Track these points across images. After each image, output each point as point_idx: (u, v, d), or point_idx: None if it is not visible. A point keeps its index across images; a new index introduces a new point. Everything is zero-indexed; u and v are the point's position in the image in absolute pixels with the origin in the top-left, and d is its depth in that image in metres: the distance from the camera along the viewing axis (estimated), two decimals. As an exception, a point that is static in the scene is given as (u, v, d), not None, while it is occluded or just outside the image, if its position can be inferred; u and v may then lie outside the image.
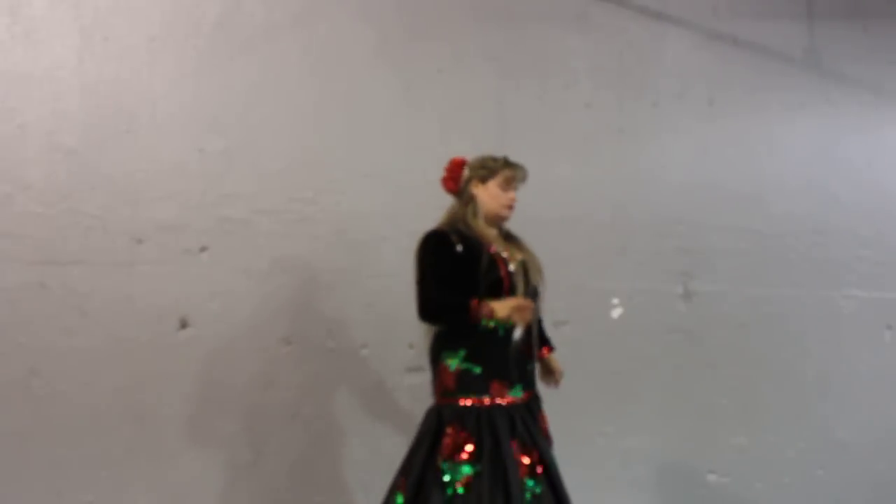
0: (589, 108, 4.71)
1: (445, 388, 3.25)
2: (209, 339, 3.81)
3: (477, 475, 3.10)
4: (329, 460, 4.02)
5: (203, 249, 3.83)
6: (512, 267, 3.26)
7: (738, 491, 4.90)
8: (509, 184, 3.35)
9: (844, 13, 5.42)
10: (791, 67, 5.24)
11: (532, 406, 3.33)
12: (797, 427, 5.06)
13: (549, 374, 3.53)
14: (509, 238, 3.42)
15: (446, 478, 3.12)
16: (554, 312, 4.37)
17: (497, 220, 3.37)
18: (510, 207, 3.35)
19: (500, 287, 3.20)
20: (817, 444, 5.10)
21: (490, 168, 3.35)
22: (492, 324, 3.19)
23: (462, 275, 3.18)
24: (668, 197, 4.85)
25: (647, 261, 4.77)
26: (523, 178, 3.40)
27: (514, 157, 4.41)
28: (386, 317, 4.06)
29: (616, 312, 4.69)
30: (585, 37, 4.72)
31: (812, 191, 5.23)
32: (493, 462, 3.11)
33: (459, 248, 3.21)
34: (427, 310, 3.18)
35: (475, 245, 3.24)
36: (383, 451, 3.99)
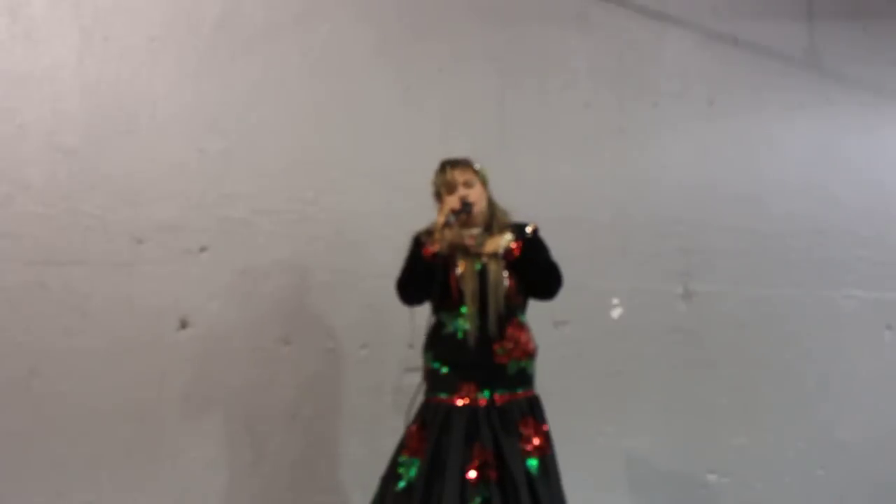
0: (589, 108, 4.71)
1: (425, 386, 3.41)
2: (209, 339, 3.81)
3: (419, 473, 3.24)
4: (329, 460, 4.02)
5: (203, 249, 3.83)
6: (459, 271, 3.34)
7: (738, 491, 4.90)
8: (449, 188, 3.38)
9: (844, 13, 5.42)
10: (791, 67, 5.24)
11: (509, 410, 3.32)
12: (797, 427, 5.06)
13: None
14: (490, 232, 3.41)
15: (400, 470, 3.30)
16: (554, 312, 4.37)
17: (464, 222, 3.38)
18: (456, 206, 3.33)
19: (451, 294, 3.34)
20: (817, 444, 5.10)
21: (435, 185, 3.44)
22: (457, 326, 3.33)
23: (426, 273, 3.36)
24: (668, 197, 4.85)
25: (647, 261, 4.77)
26: (460, 171, 3.39)
27: (514, 157, 4.42)
28: (386, 317, 4.06)
29: (616, 312, 4.70)
30: (585, 37, 4.72)
31: (812, 191, 5.22)
32: (436, 462, 3.23)
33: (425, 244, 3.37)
34: (398, 289, 3.37)
35: (442, 253, 3.35)
36: (383, 451, 3.98)
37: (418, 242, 3.38)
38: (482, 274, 3.35)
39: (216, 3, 3.90)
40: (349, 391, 4.07)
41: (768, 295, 5.06)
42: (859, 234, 5.32)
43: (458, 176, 3.38)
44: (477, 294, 3.32)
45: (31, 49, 3.56)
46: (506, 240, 3.35)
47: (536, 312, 3.96)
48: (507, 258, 3.35)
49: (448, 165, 3.42)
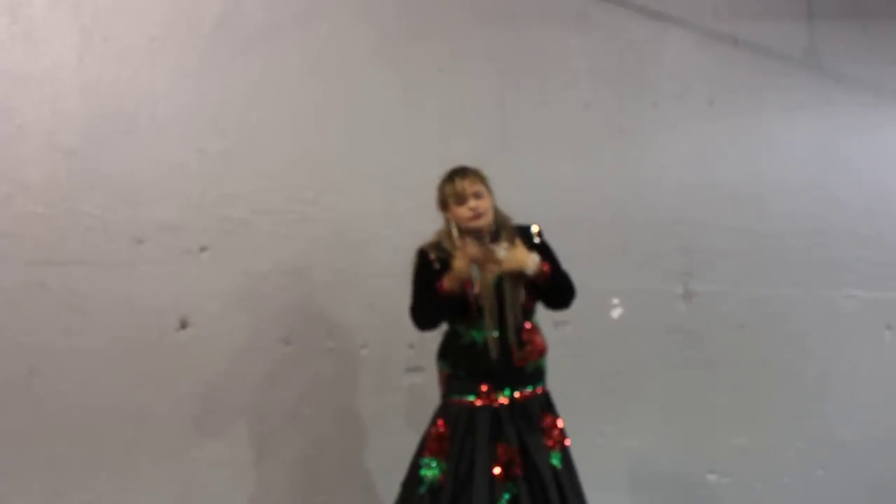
0: (589, 108, 4.71)
1: (442, 391, 3.43)
2: (209, 339, 3.81)
3: (445, 474, 3.24)
4: (329, 460, 4.02)
5: (203, 249, 3.83)
6: (477, 289, 3.30)
7: (738, 491, 4.90)
8: (460, 198, 3.33)
9: (844, 13, 5.43)
10: (791, 67, 5.25)
11: (529, 407, 3.35)
12: (797, 427, 5.07)
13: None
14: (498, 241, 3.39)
15: (423, 472, 3.29)
16: (554, 313, 4.37)
17: (474, 232, 3.34)
18: (473, 217, 3.31)
19: (469, 308, 3.32)
20: (817, 444, 5.10)
21: (442, 193, 3.39)
22: (475, 337, 3.33)
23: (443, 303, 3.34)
24: (668, 197, 4.85)
25: (647, 261, 4.77)
26: (476, 180, 3.35)
27: (514, 157, 4.42)
28: (386, 317, 4.06)
29: (616, 312, 4.70)
30: (585, 37, 4.72)
31: (812, 191, 5.23)
32: (463, 463, 3.23)
33: (437, 265, 3.34)
34: (414, 318, 3.39)
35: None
36: (383, 451, 3.99)
37: (427, 264, 3.34)
38: (498, 287, 3.34)
39: (216, 3, 3.90)
40: (349, 391, 4.07)
41: (768, 295, 5.06)
42: (859, 234, 5.33)
43: (469, 187, 3.32)
44: (496, 309, 3.32)
45: (31, 49, 3.56)
46: (533, 261, 3.29)
47: (537, 312, 3.95)
48: (539, 280, 3.32)
49: (457, 175, 3.36)
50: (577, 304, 4.40)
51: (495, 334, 3.31)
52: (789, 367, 5.07)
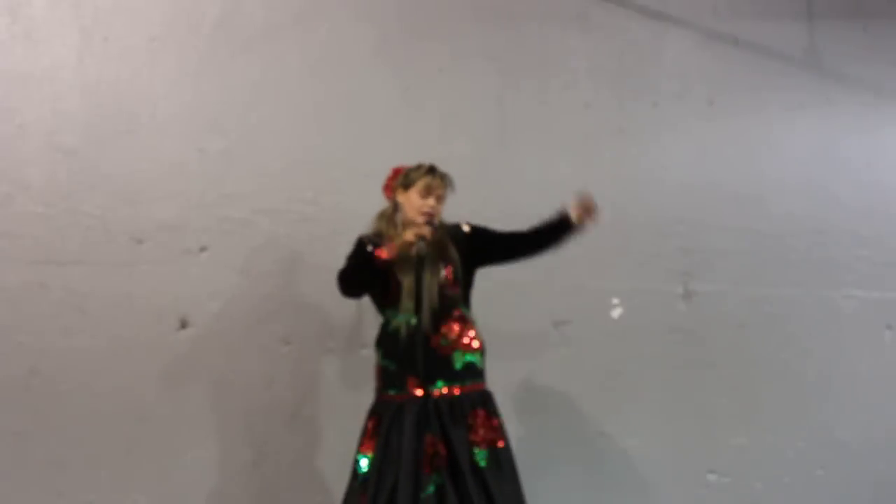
0: (589, 108, 4.71)
1: (376, 384, 3.47)
2: (209, 339, 3.81)
3: (372, 467, 3.29)
4: (329, 460, 4.02)
5: (203, 249, 3.83)
6: (393, 252, 3.35)
7: (738, 491, 4.90)
8: (429, 191, 3.41)
9: (844, 13, 5.42)
10: (791, 67, 5.24)
11: (458, 403, 3.34)
12: (797, 427, 5.06)
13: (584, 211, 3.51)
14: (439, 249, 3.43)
15: (358, 467, 3.35)
16: (554, 312, 4.37)
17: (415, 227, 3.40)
18: (425, 214, 3.39)
19: (391, 288, 3.38)
20: (817, 444, 5.10)
21: (412, 177, 3.46)
22: (400, 321, 3.35)
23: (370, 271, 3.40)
24: (668, 197, 4.85)
25: (647, 261, 4.77)
26: (446, 186, 3.45)
27: (514, 157, 4.42)
28: (386, 317, 4.06)
29: (616, 312, 4.69)
30: (585, 37, 4.72)
31: (812, 191, 5.22)
32: (389, 456, 3.27)
33: (370, 247, 3.41)
34: (340, 281, 3.42)
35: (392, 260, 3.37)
36: (383, 451, 3.99)
37: (361, 244, 3.42)
38: (419, 266, 3.38)
39: (216, 3, 3.90)
40: (350, 391, 4.06)
41: (768, 295, 5.06)
42: (859, 234, 5.32)
43: (440, 187, 3.43)
44: (413, 288, 3.36)
45: (31, 49, 3.56)
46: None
47: (536, 312, 3.97)
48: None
49: (436, 172, 3.45)
50: (577, 303, 4.41)
51: (409, 320, 3.32)
52: (789, 367, 5.07)
